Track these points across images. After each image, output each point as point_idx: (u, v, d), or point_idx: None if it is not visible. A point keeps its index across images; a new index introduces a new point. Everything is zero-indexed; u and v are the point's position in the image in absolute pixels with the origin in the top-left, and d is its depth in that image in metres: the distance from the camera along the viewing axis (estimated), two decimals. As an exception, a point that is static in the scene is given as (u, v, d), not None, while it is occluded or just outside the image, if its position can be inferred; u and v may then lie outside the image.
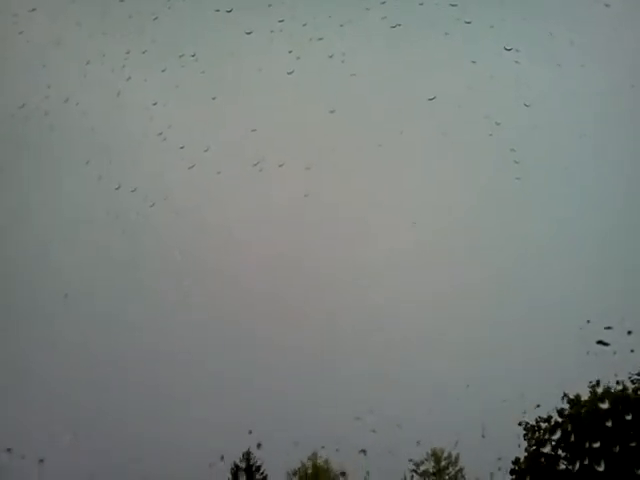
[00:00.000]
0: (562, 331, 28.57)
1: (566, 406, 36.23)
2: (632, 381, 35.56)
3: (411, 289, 43.43)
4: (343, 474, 41.25)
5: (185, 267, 39.40)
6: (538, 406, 36.32)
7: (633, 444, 29.43)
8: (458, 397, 32.51)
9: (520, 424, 36.72)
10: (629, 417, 31.10)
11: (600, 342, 21.80)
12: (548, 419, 36.82)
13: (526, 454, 37.13)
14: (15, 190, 31.65)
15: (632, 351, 30.85)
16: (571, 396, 36.02)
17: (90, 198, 32.07)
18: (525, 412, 35.47)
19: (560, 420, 36.19)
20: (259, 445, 41.67)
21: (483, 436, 28.36)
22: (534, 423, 37.09)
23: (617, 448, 28.77)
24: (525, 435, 37.14)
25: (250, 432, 36.18)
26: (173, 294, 39.41)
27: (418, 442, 39.34)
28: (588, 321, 22.46)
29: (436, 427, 36.57)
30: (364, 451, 27.91)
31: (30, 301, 34.65)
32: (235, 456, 45.37)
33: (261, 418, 36.57)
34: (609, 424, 29.85)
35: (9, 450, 18.15)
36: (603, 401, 33.22)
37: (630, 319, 21.68)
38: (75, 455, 26.95)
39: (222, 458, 38.22)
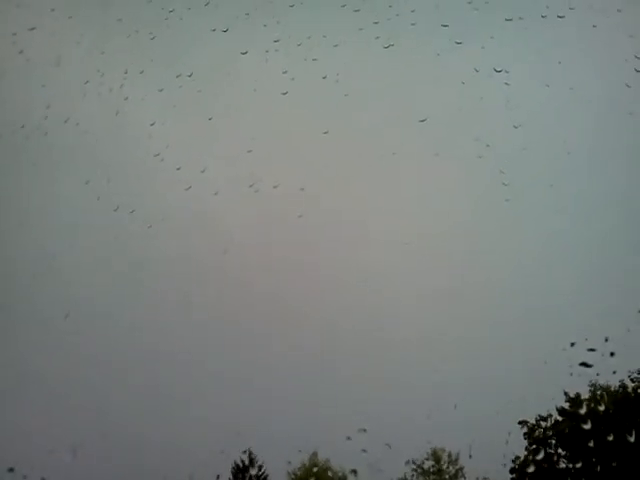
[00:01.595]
0: (545, 353, 28.75)
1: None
2: (632, 380, 36.16)
3: (402, 311, 43.89)
4: (354, 472, 41.20)
5: (183, 285, 39.79)
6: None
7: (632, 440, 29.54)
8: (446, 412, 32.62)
9: (520, 423, 37.16)
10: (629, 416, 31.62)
11: (583, 364, 21.95)
12: (547, 418, 37.15)
13: (526, 453, 37.52)
14: (14, 209, 31.87)
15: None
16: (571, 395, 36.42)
17: (89, 218, 32.34)
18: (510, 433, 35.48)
19: (560, 419, 36.53)
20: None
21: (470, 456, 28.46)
22: (534, 422, 37.64)
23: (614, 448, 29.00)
24: (525, 434, 37.44)
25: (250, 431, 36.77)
26: (171, 310, 39.74)
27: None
28: (572, 344, 22.56)
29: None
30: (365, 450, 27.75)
31: (32, 318, 34.86)
32: (235, 455, 45.97)
33: (261, 418, 36.87)
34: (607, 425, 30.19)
35: (11, 470, 18.09)
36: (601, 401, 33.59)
37: (614, 341, 21.84)
38: (78, 471, 26.95)
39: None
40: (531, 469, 36.52)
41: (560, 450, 36.22)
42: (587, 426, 33.57)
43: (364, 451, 21.18)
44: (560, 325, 31.67)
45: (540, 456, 36.48)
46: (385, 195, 43.51)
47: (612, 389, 35.54)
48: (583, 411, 35.26)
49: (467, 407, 32.32)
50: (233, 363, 40.84)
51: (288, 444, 38.24)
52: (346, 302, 43.55)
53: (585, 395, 35.93)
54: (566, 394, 36.36)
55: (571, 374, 29.09)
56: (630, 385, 35.80)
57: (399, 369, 39.69)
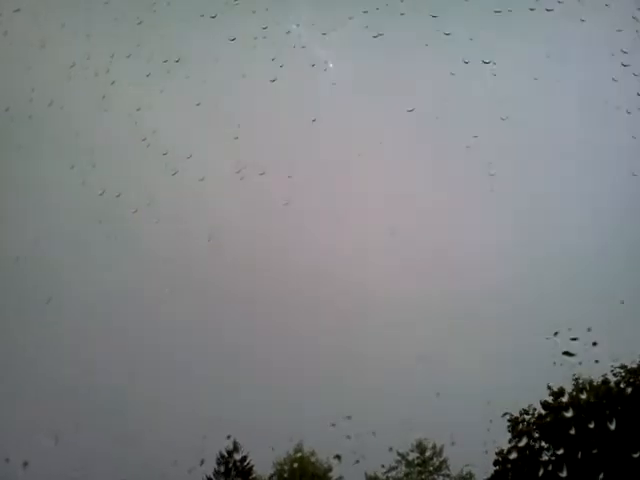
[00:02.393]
0: (528, 342, 29.00)
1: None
2: (614, 374, 36.37)
3: (386, 299, 44.06)
4: (337, 457, 41.49)
5: (168, 271, 39.71)
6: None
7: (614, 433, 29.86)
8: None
9: (504, 416, 37.44)
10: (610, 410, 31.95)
11: (566, 353, 22.18)
12: (532, 411, 37.44)
13: (510, 445, 37.78)
14: (-1, 192, 31.63)
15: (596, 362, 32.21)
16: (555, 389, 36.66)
17: (74, 202, 32.14)
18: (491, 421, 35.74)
19: (543, 412, 36.83)
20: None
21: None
22: (517, 415, 37.92)
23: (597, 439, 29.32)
24: (509, 427, 37.73)
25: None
26: (157, 297, 39.68)
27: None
28: (555, 333, 22.74)
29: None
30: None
31: (14, 303, 34.60)
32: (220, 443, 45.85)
33: (248, 410, 37.05)
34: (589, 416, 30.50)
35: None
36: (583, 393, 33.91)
37: (596, 331, 22.07)
38: (59, 457, 26.95)
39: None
40: (513, 455, 36.75)
41: (543, 443, 36.51)
42: (569, 414, 33.89)
43: (348, 437, 21.30)
44: (544, 315, 31.87)
45: (522, 444, 36.75)
46: (372, 183, 43.58)
47: (595, 383, 35.79)
48: (565, 400, 35.46)
49: (450, 396, 32.58)
50: (218, 350, 41.00)
51: (273, 433, 38.51)
52: (331, 288, 43.69)
53: (568, 389, 36.19)
54: (549, 388, 36.62)
55: (554, 363, 29.31)
56: (612, 379, 36.04)
57: (384, 357, 39.93)
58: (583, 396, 34.08)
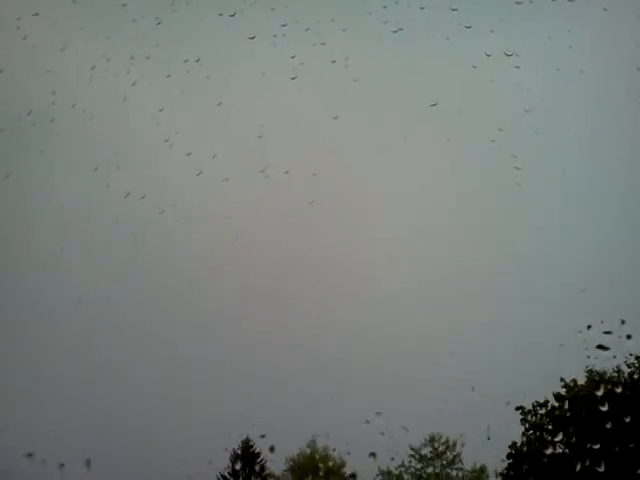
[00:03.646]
0: (561, 335, 28.59)
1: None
2: (628, 365, 36.07)
3: (412, 289, 43.90)
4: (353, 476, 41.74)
5: (194, 271, 39.90)
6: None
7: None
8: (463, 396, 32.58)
9: (517, 409, 37.20)
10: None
11: (600, 347, 21.89)
12: (545, 404, 37.18)
13: (524, 438, 37.54)
14: (23, 197, 31.93)
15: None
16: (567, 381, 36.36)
17: (99, 205, 32.34)
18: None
19: (557, 404, 36.53)
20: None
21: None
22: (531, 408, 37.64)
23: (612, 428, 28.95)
24: (522, 420, 37.52)
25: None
26: (181, 296, 39.89)
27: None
28: (589, 326, 22.47)
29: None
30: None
31: (40, 306, 34.95)
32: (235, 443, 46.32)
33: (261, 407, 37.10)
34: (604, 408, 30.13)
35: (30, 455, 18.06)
36: (598, 387, 33.57)
37: (630, 324, 21.67)
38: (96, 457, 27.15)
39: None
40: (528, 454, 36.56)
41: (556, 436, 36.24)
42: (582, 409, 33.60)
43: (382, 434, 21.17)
44: (576, 308, 31.49)
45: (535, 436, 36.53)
46: (396, 180, 43.37)
47: (607, 375, 35.49)
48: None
49: (482, 391, 32.26)
50: (238, 351, 41.05)
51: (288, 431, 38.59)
52: (356, 288, 43.59)
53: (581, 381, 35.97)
54: (562, 380, 36.34)
55: (588, 357, 29.07)
56: (626, 370, 35.72)
57: (410, 358, 39.81)
58: (599, 392, 33.66)
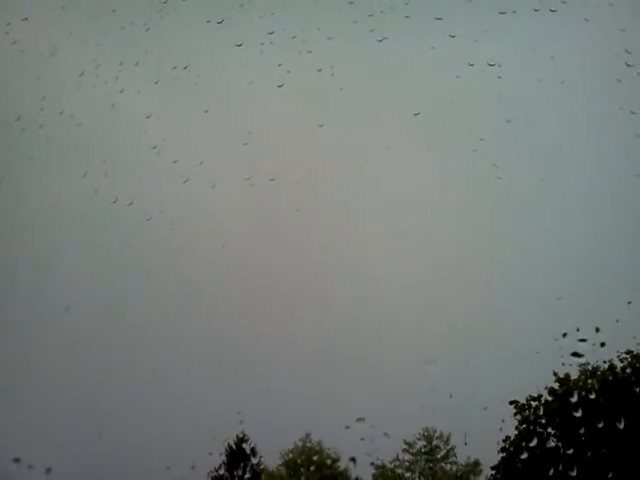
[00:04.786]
0: (536, 343, 29.05)
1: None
2: (620, 360, 36.39)
3: (396, 299, 44.22)
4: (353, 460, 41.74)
5: (181, 278, 39.95)
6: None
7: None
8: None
9: (511, 403, 37.45)
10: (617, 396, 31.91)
11: (575, 354, 22.28)
12: (538, 398, 37.43)
13: (516, 432, 37.74)
14: (11, 203, 31.81)
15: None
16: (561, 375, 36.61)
17: (88, 211, 32.32)
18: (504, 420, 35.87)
19: (550, 399, 36.75)
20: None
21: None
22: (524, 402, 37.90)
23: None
24: (515, 414, 37.72)
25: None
26: (170, 304, 39.89)
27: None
28: (564, 334, 22.81)
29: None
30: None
31: (30, 311, 34.82)
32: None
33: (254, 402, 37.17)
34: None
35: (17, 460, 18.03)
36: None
37: (605, 331, 22.09)
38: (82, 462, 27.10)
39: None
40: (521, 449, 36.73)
41: (550, 430, 36.56)
42: (574, 399, 33.85)
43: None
44: (552, 316, 31.91)
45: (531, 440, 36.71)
46: (380, 188, 43.68)
47: (600, 371, 35.77)
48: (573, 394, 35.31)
49: (461, 396, 32.53)
50: (231, 355, 41.11)
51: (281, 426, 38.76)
52: (343, 294, 43.75)
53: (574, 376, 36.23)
54: (555, 374, 36.56)
55: (563, 364, 29.56)
56: (619, 365, 35.98)
57: (395, 361, 40.06)
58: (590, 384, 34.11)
